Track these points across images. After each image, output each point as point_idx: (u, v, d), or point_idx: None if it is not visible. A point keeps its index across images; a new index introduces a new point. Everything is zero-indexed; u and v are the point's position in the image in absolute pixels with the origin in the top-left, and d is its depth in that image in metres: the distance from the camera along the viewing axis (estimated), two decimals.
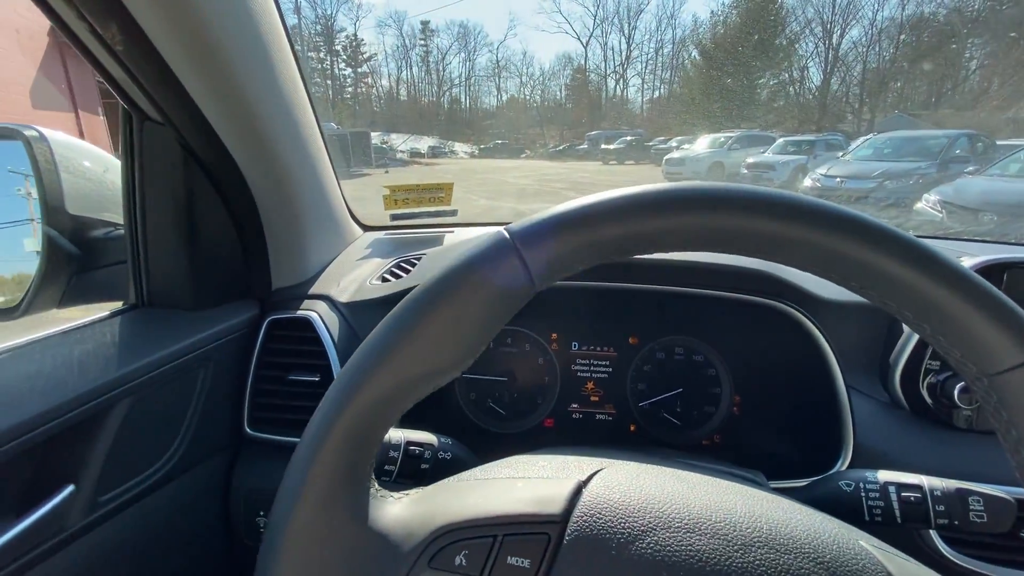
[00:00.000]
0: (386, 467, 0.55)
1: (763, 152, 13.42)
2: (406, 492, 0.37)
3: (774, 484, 0.71)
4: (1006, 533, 0.49)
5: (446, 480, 0.39)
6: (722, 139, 15.57)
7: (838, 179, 8.72)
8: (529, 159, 39.48)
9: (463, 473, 0.39)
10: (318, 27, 65.42)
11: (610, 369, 0.89)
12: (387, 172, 24.98)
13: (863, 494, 0.52)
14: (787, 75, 34.70)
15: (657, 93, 57.11)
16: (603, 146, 31.02)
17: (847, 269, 0.29)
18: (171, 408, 0.73)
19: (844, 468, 0.71)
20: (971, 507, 0.50)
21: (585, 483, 0.34)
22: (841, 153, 10.99)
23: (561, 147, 40.50)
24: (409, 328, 0.30)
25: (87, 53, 0.61)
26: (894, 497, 0.51)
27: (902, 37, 31.32)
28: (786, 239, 0.29)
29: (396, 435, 0.58)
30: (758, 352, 0.85)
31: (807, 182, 9.47)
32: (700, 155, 14.13)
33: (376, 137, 52.44)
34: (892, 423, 0.75)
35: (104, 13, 0.56)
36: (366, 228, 1.24)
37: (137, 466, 0.68)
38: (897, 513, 0.51)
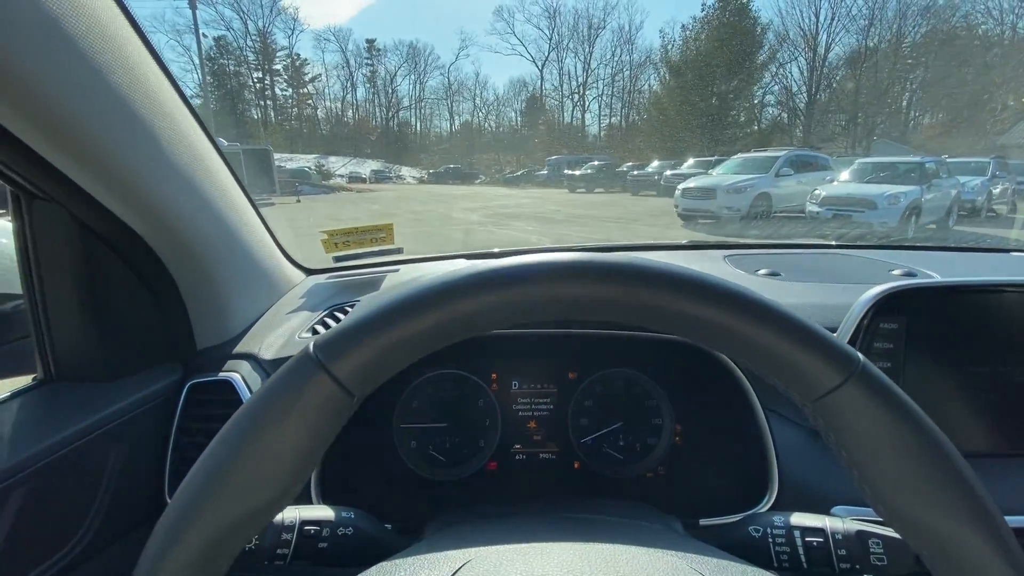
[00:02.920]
0: (279, 551, 0.52)
1: (830, 180, 9.74)
2: None
3: (707, 522, 0.73)
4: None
5: None
6: (761, 160, 10.92)
7: None
8: (484, 184, 35.53)
9: None
10: (256, 44, 59.84)
11: (552, 406, 0.86)
12: (299, 201, 19.96)
13: (770, 540, 0.53)
14: (768, 95, 32.52)
15: (615, 118, 55.08)
16: (567, 171, 27.63)
17: (658, 318, 0.30)
18: (80, 489, 0.68)
19: (769, 504, 0.71)
20: (871, 550, 0.50)
21: None
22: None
23: (519, 172, 36.86)
24: (220, 473, 0.28)
25: None
26: (799, 542, 0.52)
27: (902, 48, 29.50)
28: (600, 300, 0.29)
29: (290, 514, 0.55)
30: (695, 382, 0.84)
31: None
32: (739, 183, 9.70)
33: (311, 160, 47.61)
34: (817, 453, 0.73)
35: None
36: (309, 272, 1.18)
37: (37, 555, 0.64)
38: (803, 558, 0.51)
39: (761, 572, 0.37)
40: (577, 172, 25.23)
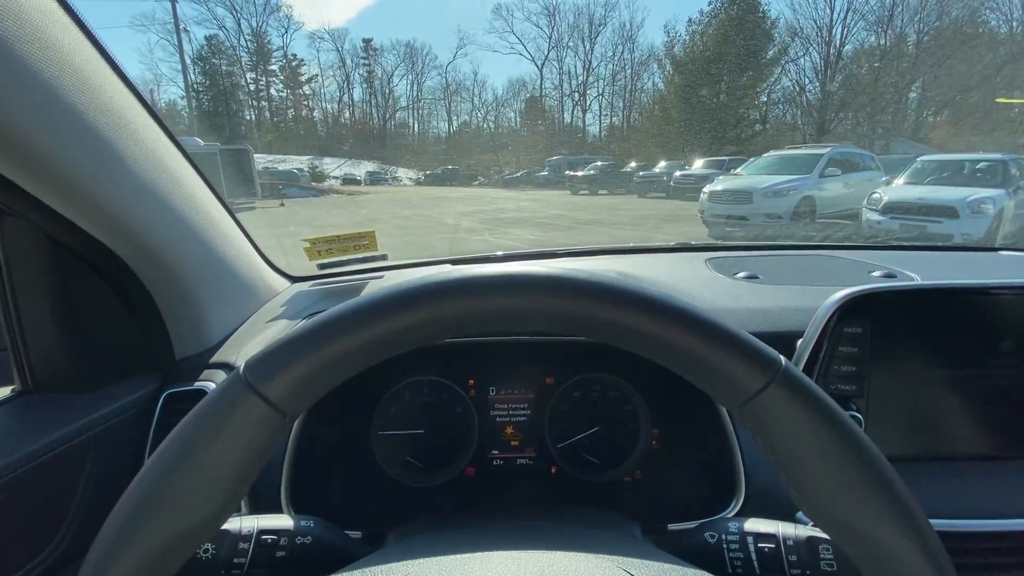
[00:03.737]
0: (235, 560, 0.52)
1: (885, 181, 8.20)
2: None
3: (676, 526, 0.73)
4: None
5: None
6: (800, 158, 9.14)
7: None
8: (482, 187, 34.31)
9: None
10: (251, 44, 58.59)
11: (529, 412, 0.86)
12: (282, 205, 18.62)
13: (725, 546, 0.53)
14: (777, 92, 31.09)
15: (615, 119, 53.81)
16: (568, 172, 26.41)
17: (590, 330, 0.30)
18: (53, 499, 0.68)
19: (735, 510, 0.72)
20: (821, 556, 0.50)
21: None
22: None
23: (518, 174, 35.66)
24: (153, 495, 0.29)
25: None
26: (752, 548, 0.52)
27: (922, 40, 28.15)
28: (537, 311, 0.30)
29: (248, 524, 0.54)
30: (671, 387, 0.83)
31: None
32: (779, 185, 8.16)
33: (305, 162, 46.50)
34: None
35: None
36: (294, 279, 1.17)
37: (10, 564, 0.64)
38: (755, 564, 0.51)
39: (700, 574, 0.38)
40: (579, 173, 24.02)
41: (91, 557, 0.29)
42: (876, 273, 1.05)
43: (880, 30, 29.19)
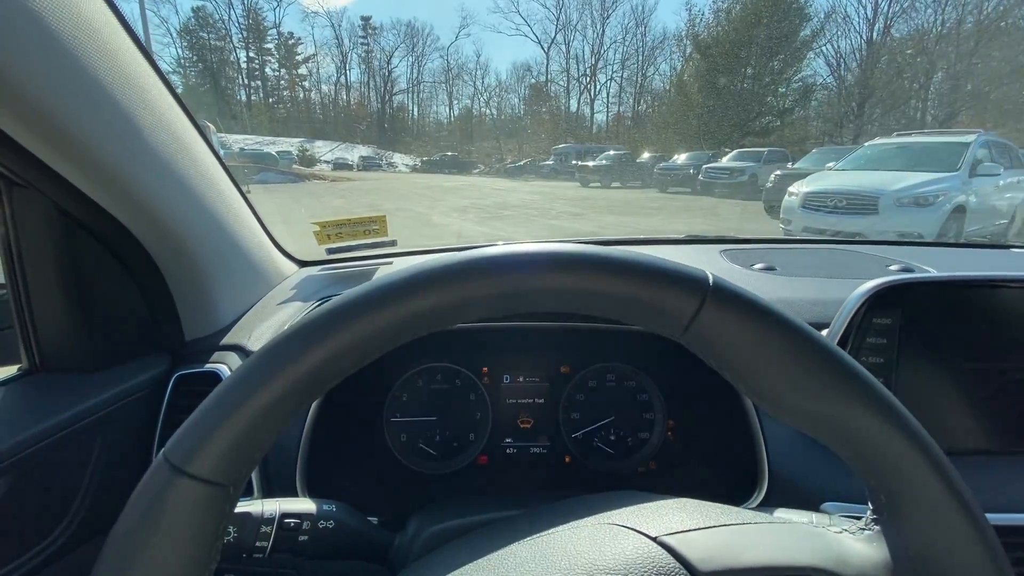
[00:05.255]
0: (258, 543, 0.52)
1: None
2: None
3: None
4: None
5: None
6: (933, 148, 6.15)
7: None
8: (483, 175, 31.86)
9: None
10: (244, 20, 55.47)
11: (542, 400, 0.86)
12: (248, 192, 16.30)
13: None
14: (810, 78, 28.12)
15: (624, 107, 50.98)
16: (576, 162, 23.97)
17: (526, 302, 0.29)
18: (62, 480, 0.69)
19: (758, 500, 0.70)
20: None
21: None
22: None
23: (521, 163, 33.16)
24: None
25: None
26: None
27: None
28: (459, 303, 0.29)
29: (270, 507, 0.54)
30: (687, 377, 0.83)
31: None
32: (918, 189, 5.39)
33: (295, 144, 43.87)
34: (808, 449, 0.72)
35: None
36: (303, 264, 1.16)
37: (19, 546, 0.64)
38: None
39: (692, 502, 0.37)
40: (590, 163, 21.52)
41: None
42: (893, 267, 1.03)
43: (938, 6, 25.98)
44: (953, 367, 0.70)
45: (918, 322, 0.70)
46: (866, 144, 7.12)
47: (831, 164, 7.38)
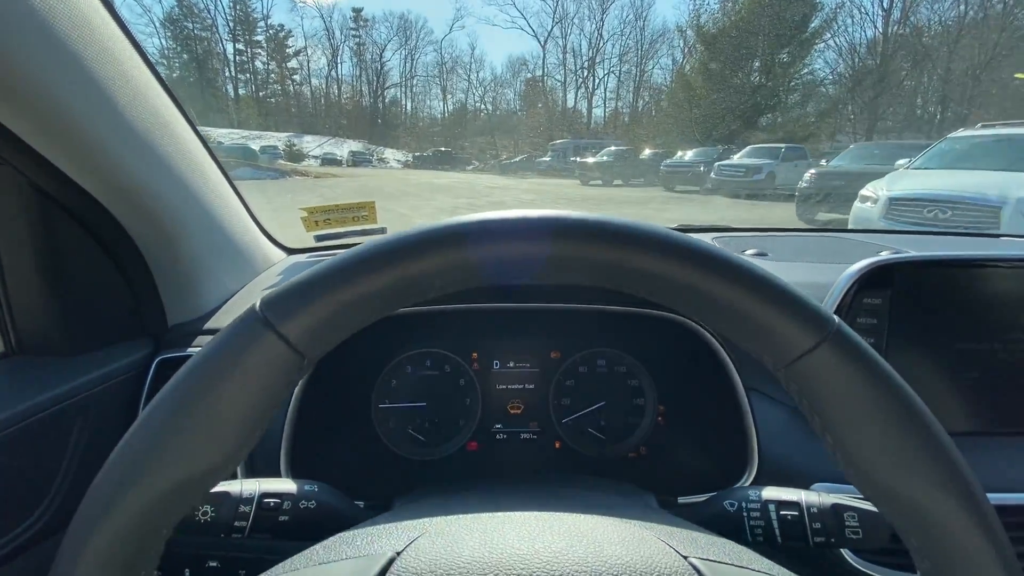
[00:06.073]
0: (236, 523, 0.51)
1: None
2: None
3: (685, 500, 0.72)
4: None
5: None
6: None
7: None
8: (477, 172, 30.59)
9: (274, 569, 0.37)
10: (234, 11, 53.68)
11: (532, 386, 0.86)
12: None
13: (745, 514, 0.52)
14: (820, 71, 26.79)
15: (623, 102, 49.74)
16: (574, 158, 22.78)
17: (628, 280, 0.28)
18: (40, 464, 0.68)
19: (749, 482, 0.71)
20: (847, 523, 0.50)
21: (393, 558, 0.32)
22: None
23: (517, 159, 31.90)
24: (159, 435, 0.27)
25: None
26: (773, 516, 0.51)
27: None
28: (570, 259, 0.28)
29: (249, 486, 0.53)
30: (677, 362, 0.84)
31: None
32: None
33: (283, 139, 42.27)
34: (797, 431, 0.72)
35: None
36: (291, 251, 1.16)
37: None
38: (777, 532, 0.51)
39: (728, 543, 0.36)
40: (590, 160, 20.33)
41: (88, 501, 0.27)
42: (883, 253, 1.02)
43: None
44: (944, 348, 0.71)
45: (909, 303, 0.71)
46: (948, 136, 5.89)
47: (902, 162, 6.16)
